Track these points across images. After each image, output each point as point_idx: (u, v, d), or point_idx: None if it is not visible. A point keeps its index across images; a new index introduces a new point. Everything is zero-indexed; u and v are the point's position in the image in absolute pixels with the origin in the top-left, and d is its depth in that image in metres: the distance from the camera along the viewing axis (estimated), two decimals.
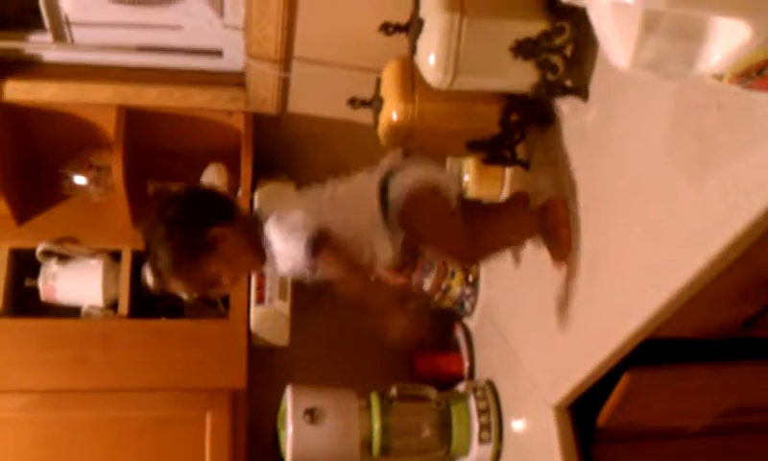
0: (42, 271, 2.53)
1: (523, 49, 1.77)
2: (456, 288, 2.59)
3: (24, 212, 2.55)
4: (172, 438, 2.30)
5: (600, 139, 1.75)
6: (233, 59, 2.38)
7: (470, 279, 2.56)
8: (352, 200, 1.83)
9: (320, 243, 1.72)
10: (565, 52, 1.78)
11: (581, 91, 1.81)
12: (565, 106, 1.91)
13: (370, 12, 1.94)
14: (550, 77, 1.81)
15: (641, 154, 1.56)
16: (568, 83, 1.82)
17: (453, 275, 2.59)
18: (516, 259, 2.20)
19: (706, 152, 1.34)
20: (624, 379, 1.84)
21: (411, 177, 1.86)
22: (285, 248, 1.74)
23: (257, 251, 1.77)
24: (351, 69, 2.24)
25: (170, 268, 1.70)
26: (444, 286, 2.59)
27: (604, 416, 1.93)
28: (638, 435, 2.05)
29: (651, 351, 1.71)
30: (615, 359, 1.75)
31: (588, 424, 1.99)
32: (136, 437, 2.29)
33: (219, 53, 2.37)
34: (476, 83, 1.85)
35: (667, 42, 1.04)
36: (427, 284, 2.60)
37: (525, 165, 2.12)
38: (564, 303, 1.91)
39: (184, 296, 2.50)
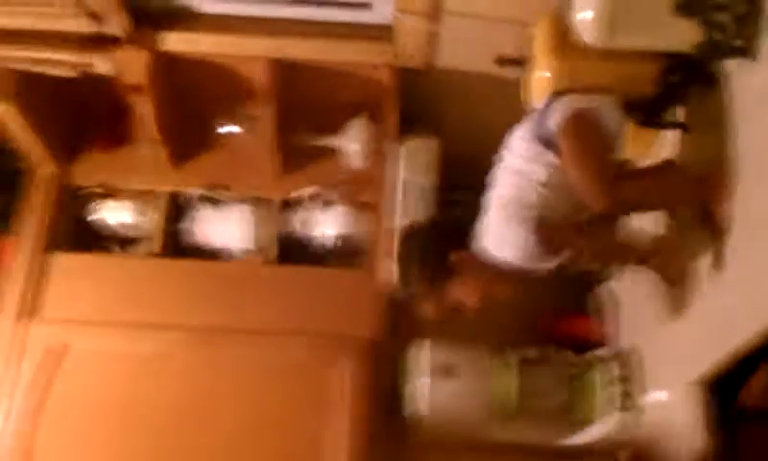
0: (197, 215, 2.65)
1: (688, 5, 1.66)
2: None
3: (180, 157, 2.67)
4: (304, 382, 2.38)
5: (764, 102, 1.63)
6: (382, 12, 2.36)
7: None
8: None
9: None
10: (735, 10, 1.66)
11: (749, 51, 1.68)
12: (731, 66, 1.79)
13: None
14: (716, 36, 1.69)
15: None
16: (737, 42, 1.70)
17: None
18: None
19: None
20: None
21: (578, 101, 1.80)
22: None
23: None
24: (503, 23, 2.17)
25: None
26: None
27: (751, 393, 1.84)
28: None
29: None
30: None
31: (734, 401, 1.90)
32: (271, 379, 2.39)
33: (368, 5, 2.37)
34: (636, 41, 1.77)
35: None
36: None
37: (685, 128, 2.01)
38: (719, 274, 1.82)
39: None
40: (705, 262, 1.86)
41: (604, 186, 1.77)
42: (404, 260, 1.94)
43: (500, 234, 1.85)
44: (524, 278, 1.90)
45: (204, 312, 2.49)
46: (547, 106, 1.81)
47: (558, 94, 1.83)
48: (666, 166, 2.00)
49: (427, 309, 1.98)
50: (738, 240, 1.73)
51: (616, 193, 1.81)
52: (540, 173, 1.79)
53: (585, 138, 1.78)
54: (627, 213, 2.04)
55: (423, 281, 1.91)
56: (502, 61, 2.02)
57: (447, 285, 1.91)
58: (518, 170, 1.83)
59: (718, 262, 1.80)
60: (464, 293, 1.92)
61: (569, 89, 1.86)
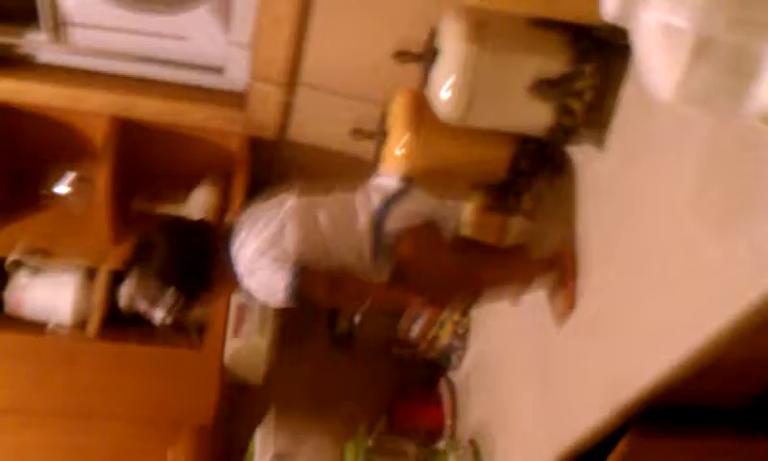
0: (11, 281, 2.40)
1: (541, 89, 1.69)
2: (444, 339, 2.48)
3: (1, 217, 2.42)
4: None
5: (615, 190, 1.67)
6: (234, 77, 2.29)
7: (460, 331, 2.45)
8: (338, 226, 1.73)
9: (302, 278, 1.62)
10: (585, 97, 1.71)
11: (597, 139, 1.73)
12: (579, 154, 1.84)
13: (383, 41, 1.87)
14: (567, 122, 1.73)
15: (662, 206, 1.48)
16: (584, 130, 1.75)
17: (442, 325, 2.49)
18: (511, 312, 2.10)
19: (737, 206, 1.26)
20: (623, 443, 1.73)
21: (408, 211, 1.77)
22: (262, 285, 1.65)
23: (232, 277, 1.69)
24: (358, 100, 2.16)
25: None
26: (431, 336, 2.49)
27: None
28: None
29: (663, 413, 1.60)
30: (615, 422, 1.64)
31: None
32: None
33: (220, 70, 2.29)
34: (489, 120, 1.78)
35: (718, 74, 0.96)
36: (415, 331, 2.49)
37: (529, 216, 2.04)
38: (563, 360, 1.81)
39: (158, 320, 2.38)
40: (550, 345, 1.86)
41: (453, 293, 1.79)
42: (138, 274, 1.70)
43: None
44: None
45: (11, 392, 2.22)
46: (388, 202, 1.77)
47: (404, 183, 1.80)
48: (519, 248, 2.01)
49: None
50: (584, 325, 1.74)
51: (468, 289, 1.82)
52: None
53: (422, 254, 1.76)
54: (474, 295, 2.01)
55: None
56: (357, 134, 1.98)
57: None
58: None
59: (565, 348, 1.79)
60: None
61: (418, 175, 1.85)
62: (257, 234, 1.64)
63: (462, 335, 2.44)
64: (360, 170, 2.05)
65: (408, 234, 1.74)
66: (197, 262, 1.67)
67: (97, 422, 2.22)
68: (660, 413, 1.59)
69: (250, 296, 1.70)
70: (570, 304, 1.78)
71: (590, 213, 1.77)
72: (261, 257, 1.62)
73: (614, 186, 1.67)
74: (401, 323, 2.50)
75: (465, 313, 2.42)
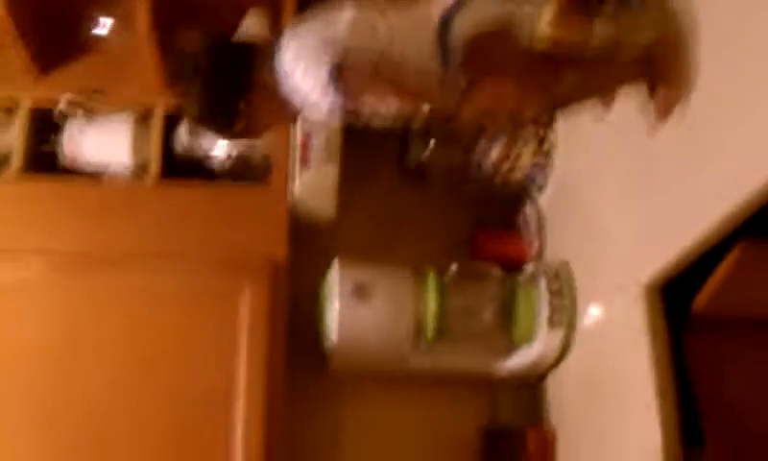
0: (66, 127, 2.28)
1: None
2: (527, 157, 2.28)
3: (44, 63, 2.27)
4: (204, 311, 2.07)
5: None
6: None
7: (545, 147, 2.24)
8: (403, 35, 1.52)
9: (343, 72, 1.42)
10: None
11: None
12: None
13: None
14: None
15: None
16: None
17: (526, 144, 2.27)
18: (599, 124, 1.87)
19: None
20: (734, 253, 1.53)
21: (477, 14, 1.53)
22: (305, 81, 1.46)
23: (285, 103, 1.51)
24: None
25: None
26: (513, 155, 2.28)
27: (704, 297, 1.63)
28: (739, 323, 1.74)
29: None
30: (724, 230, 1.45)
31: (681, 309, 1.70)
32: (164, 308, 2.07)
33: None
34: None
35: None
36: (495, 153, 2.29)
37: (617, 14, 1.76)
38: (663, 168, 1.60)
39: (217, 164, 2.24)
40: (645, 150, 1.64)
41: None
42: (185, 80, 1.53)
43: None
44: None
45: (78, 237, 2.13)
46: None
47: None
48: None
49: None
50: (688, 124, 1.51)
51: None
52: None
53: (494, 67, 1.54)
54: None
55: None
56: None
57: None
58: None
59: (664, 151, 1.58)
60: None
61: None
62: (304, 35, 1.45)
63: (547, 152, 2.24)
64: None
65: (478, 42, 1.51)
66: (237, 80, 1.50)
67: (165, 262, 2.11)
68: None
69: (302, 107, 1.52)
70: (670, 105, 1.55)
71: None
72: (305, 51, 1.44)
73: None
74: (478, 148, 2.30)
75: (548, 127, 2.21)
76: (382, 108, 1.48)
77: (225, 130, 1.58)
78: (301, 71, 1.45)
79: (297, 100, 1.50)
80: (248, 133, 1.58)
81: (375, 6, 1.53)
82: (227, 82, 1.50)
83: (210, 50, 1.53)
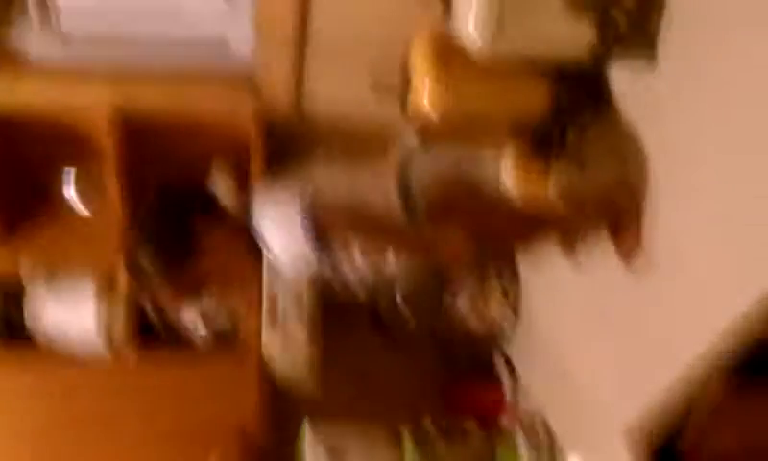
0: (27, 302, 2.25)
1: (579, 2, 1.50)
2: (494, 307, 2.28)
3: (10, 232, 2.27)
4: None
5: (674, 107, 1.47)
6: (238, 48, 2.11)
7: (511, 295, 2.25)
8: (368, 185, 1.55)
9: (317, 211, 1.44)
10: (626, 3, 1.51)
11: (647, 52, 1.53)
12: (623, 76, 1.63)
13: None
14: (609, 35, 1.53)
15: (734, 118, 1.27)
16: (630, 43, 1.55)
17: (492, 291, 2.28)
18: (566, 265, 1.89)
19: None
20: (713, 390, 1.52)
21: (436, 163, 1.58)
22: (280, 232, 1.47)
23: (250, 248, 1.51)
24: (375, 53, 1.94)
25: (152, 271, 1.47)
26: (480, 304, 2.29)
27: (688, 439, 1.59)
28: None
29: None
30: (700, 370, 1.44)
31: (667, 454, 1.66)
32: None
33: (223, 43, 2.11)
34: (523, 44, 1.57)
35: None
36: (462, 303, 2.29)
37: (576, 159, 1.83)
38: (636, 305, 1.61)
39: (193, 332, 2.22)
40: (619, 291, 1.66)
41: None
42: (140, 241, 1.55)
43: None
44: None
45: (44, 414, 2.08)
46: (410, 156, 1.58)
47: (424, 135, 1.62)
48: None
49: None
50: (659, 262, 1.53)
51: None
52: None
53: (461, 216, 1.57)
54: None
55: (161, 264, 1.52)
56: (376, 87, 1.79)
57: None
58: None
59: (637, 291, 1.59)
60: None
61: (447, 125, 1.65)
62: (276, 196, 1.47)
63: (513, 300, 2.24)
64: (389, 133, 1.87)
65: (440, 193, 1.55)
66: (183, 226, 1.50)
67: (136, 436, 2.06)
68: None
69: (274, 257, 1.52)
70: (637, 243, 1.58)
71: (648, 139, 1.56)
72: (278, 206, 1.45)
73: (672, 103, 1.47)
74: (445, 298, 2.31)
75: (513, 274, 2.23)
76: (354, 254, 1.49)
77: (178, 269, 1.56)
78: (274, 223, 1.46)
79: (269, 254, 1.50)
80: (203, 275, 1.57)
81: (340, 164, 1.57)
82: (177, 223, 1.50)
83: (160, 199, 1.54)
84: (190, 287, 1.53)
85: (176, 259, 1.49)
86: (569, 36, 1.53)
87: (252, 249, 1.53)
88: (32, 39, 2.07)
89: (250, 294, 2.16)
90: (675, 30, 1.46)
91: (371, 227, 1.48)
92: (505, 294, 2.27)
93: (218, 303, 2.16)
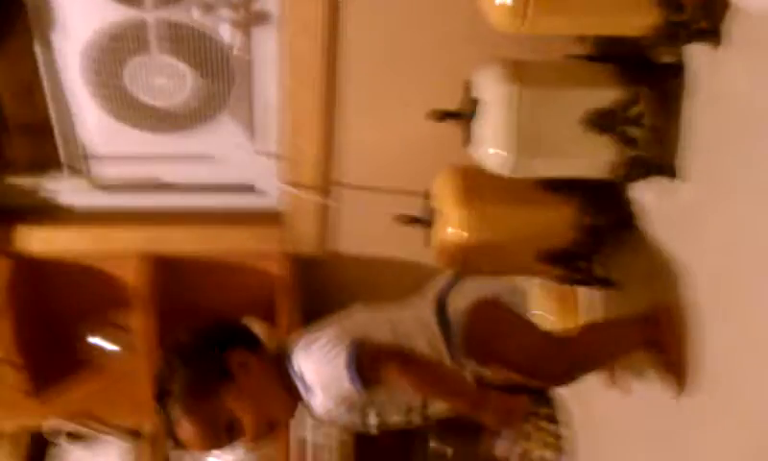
0: (62, 455, 2.21)
1: (596, 122, 1.52)
2: (536, 451, 2.17)
3: (42, 384, 2.24)
4: None
5: (704, 218, 1.44)
6: (267, 192, 2.16)
7: (554, 438, 2.15)
8: (410, 324, 1.51)
9: (364, 350, 1.38)
10: (644, 122, 1.52)
11: (668, 168, 1.52)
12: (649, 194, 1.62)
13: (416, 119, 1.72)
14: (629, 153, 1.54)
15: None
16: (651, 161, 1.55)
17: (530, 436, 2.18)
18: (616, 392, 1.80)
19: None
20: None
21: (470, 292, 1.55)
22: (322, 372, 1.40)
23: (287, 388, 1.45)
24: (401, 190, 1.99)
25: (182, 401, 1.38)
26: (520, 450, 2.18)
27: None
28: None
29: None
30: None
31: None
32: None
33: (251, 188, 2.16)
34: (545, 167, 1.59)
35: None
36: (500, 449, 2.19)
37: (604, 281, 1.79)
38: (694, 431, 1.51)
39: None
40: (670, 425, 1.56)
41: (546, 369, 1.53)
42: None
43: None
44: None
45: None
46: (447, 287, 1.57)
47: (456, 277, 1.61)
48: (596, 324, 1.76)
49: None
50: (709, 390, 1.45)
51: (561, 366, 1.55)
52: None
53: (497, 332, 1.53)
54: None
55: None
56: (402, 220, 1.80)
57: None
58: None
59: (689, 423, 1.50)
60: None
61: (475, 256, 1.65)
62: (314, 341, 1.43)
63: (557, 440, 2.14)
64: (417, 271, 1.86)
65: (475, 311, 1.51)
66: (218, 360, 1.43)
67: None
68: None
69: (310, 406, 1.45)
70: (683, 369, 1.50)
71: (680, 254, 1.53)
72: (317, 348, 1.41)
73: (701, 213, 1.45)
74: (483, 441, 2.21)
75: (552, 413, 2.14)
76: (399, 393, 1.43)
77: (209, 400, 1.46)
78: (317, 365, 1.40)
79: (308, 397, 1.44)
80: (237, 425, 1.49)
81: (380, 306, 1.54)
82: (208, 362, 1.43)
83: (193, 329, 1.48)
84: (219, 430, 1.45)
85: (208, 388, 1.42)
86: (590, 155, 1.55)
87: (288, 389, 1.47)
88: (66, 188, 2.13)
89: (282, 438, 2.09)
90: (697, 142, 1.46)
91: (417, 369, 1.43)
92: (555, 436, 2.17)
93: (248, 450, 2.09)
